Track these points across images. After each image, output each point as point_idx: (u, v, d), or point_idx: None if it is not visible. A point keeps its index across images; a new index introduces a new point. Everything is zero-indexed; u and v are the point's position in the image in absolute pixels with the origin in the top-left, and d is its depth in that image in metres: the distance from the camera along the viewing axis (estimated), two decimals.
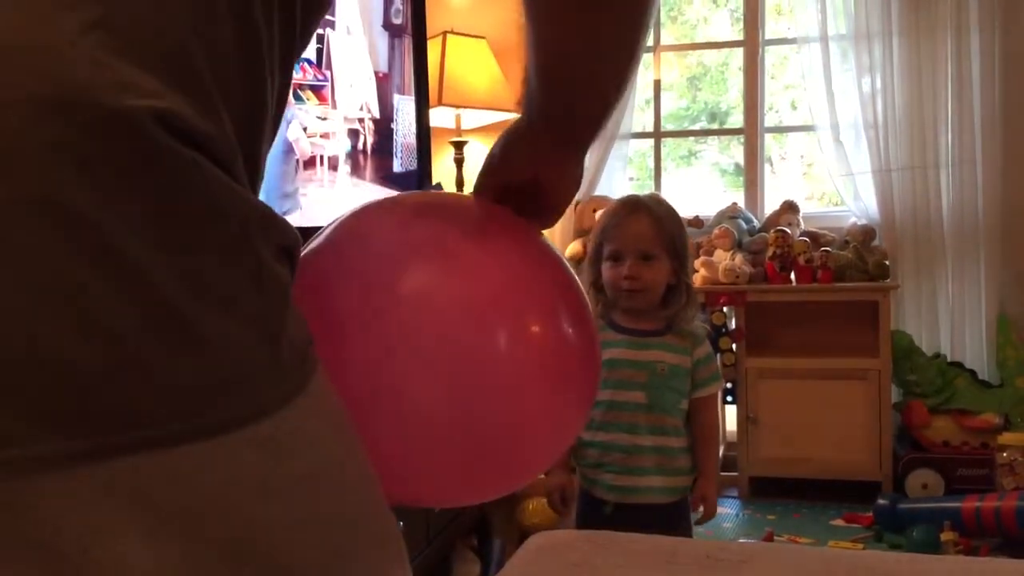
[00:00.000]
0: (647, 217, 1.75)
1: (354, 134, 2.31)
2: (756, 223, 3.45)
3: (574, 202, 3.50)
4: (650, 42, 3.61)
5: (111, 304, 0.43)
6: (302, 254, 0.77)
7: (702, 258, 3.24)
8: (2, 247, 0.42)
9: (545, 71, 0.73)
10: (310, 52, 2.21)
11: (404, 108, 2.56)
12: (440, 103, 3.20)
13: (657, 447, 1.74)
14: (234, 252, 0.49)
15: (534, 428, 0.75)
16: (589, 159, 3.49)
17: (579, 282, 0.83)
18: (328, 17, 2.30)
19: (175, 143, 0.46)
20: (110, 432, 0.43)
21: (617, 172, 3.66)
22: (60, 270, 0.43)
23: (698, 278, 3.21)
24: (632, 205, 1.79)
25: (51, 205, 0.43)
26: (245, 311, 0.49)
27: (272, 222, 0.53)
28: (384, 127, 2.45)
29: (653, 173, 3.75)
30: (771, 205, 3.54)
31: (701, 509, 1.80)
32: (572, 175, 0.81)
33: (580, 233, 3.48)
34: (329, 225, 0.77)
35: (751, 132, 3.61)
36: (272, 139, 0.61)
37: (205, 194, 0.48)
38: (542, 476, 2.98)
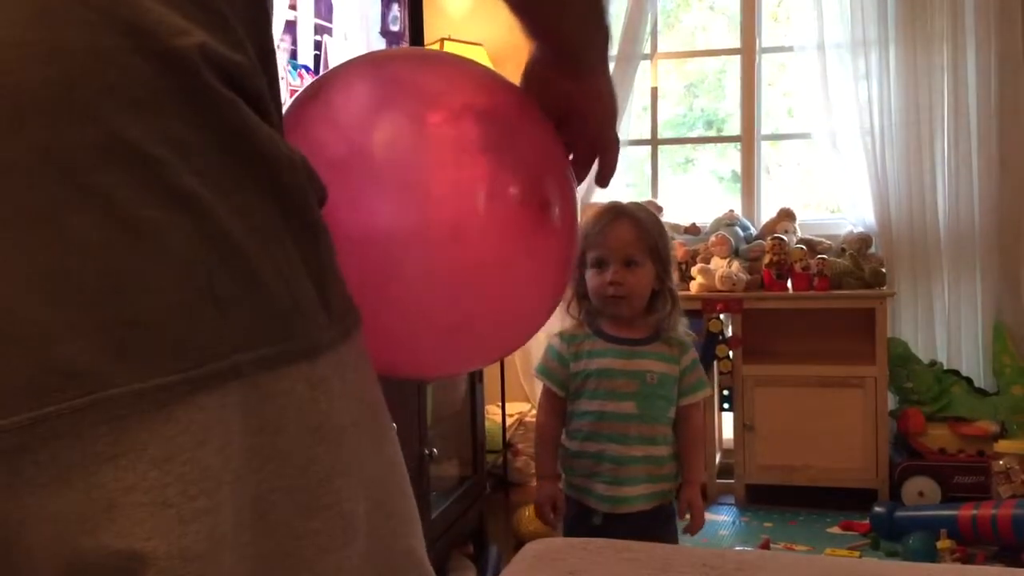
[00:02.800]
0: (630, 223, 1.74)
1: None
2: (753, 230, 3.45)
3: None
4: (647, 49, 3.62)
5: (183, 239, 0.44)
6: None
7: (699, 265, 3.24)
8: (74, 189, 0.42)
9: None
10: (307, 59, 2.21)
11: None
12: None
13: (647, 456, 1.73)
14: (280, 194, 0.50)
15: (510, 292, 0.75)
16: None
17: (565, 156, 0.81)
18: (326, 24, 2.30)
19: (218, 83, 0.47)
20: (191, 367, 0.43)
21: (614, 179, 3.65)
22: (131, 207, 0.43)
23: (695, 285, 3.21)
24: (614, 211, 1.77)
25: (115, 145, 0.43)
26: (294, 251, 0.50)
27: (312, 173, 0.54)
28: None
29: (650, 180, 3.75)
30: (768, 212, 3.54)
31: (688, 517, 1.79)
32: (590, 91, 0.79)
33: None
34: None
35: (748, 139, 3.61)
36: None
37: (251, 136, 0.48)
38: (535, 484, 2.96)
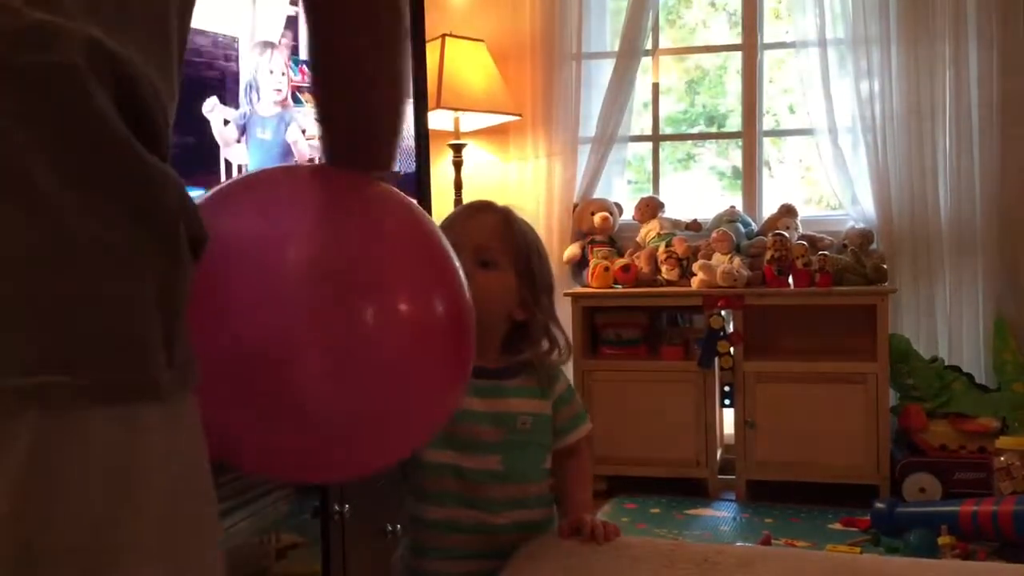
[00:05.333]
0: (494, 216, 1.34)
1: None
2: (754, 227, 3.45)
3: (572, 205, 3.51)
4: (648, 45, 3.62)
5: (9, 234, 0.40)
6: None
7: (700, 261, 3.24)
8: None
9: (330, 73, 0.74)
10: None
11: None
12: (439, 106, 3.20)
13: (518, 524, 1.31)
14: (149, 217, 0.45)
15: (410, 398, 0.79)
16: (588, 162, 3.52)
17: (447, 249, 0.84)
18: None
19: (99, 87, 0.43)
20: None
21: (615, 175, 3.66)
22: None
23: (696, 281, 3.21)
24: (481, 203, 1.39)
25: None
26: (150, 279, 0.45)
27: (187, 203, 0.49)
28: None
29: (651, 176, 3.75)
30: (769, 209, 3.54)
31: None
32: None
33: (578, 236, 3.48)
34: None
35: (749, 136, 3.61)
36: (176, 95, 0.55)
37: (122, 146, 0.44)
38: None
